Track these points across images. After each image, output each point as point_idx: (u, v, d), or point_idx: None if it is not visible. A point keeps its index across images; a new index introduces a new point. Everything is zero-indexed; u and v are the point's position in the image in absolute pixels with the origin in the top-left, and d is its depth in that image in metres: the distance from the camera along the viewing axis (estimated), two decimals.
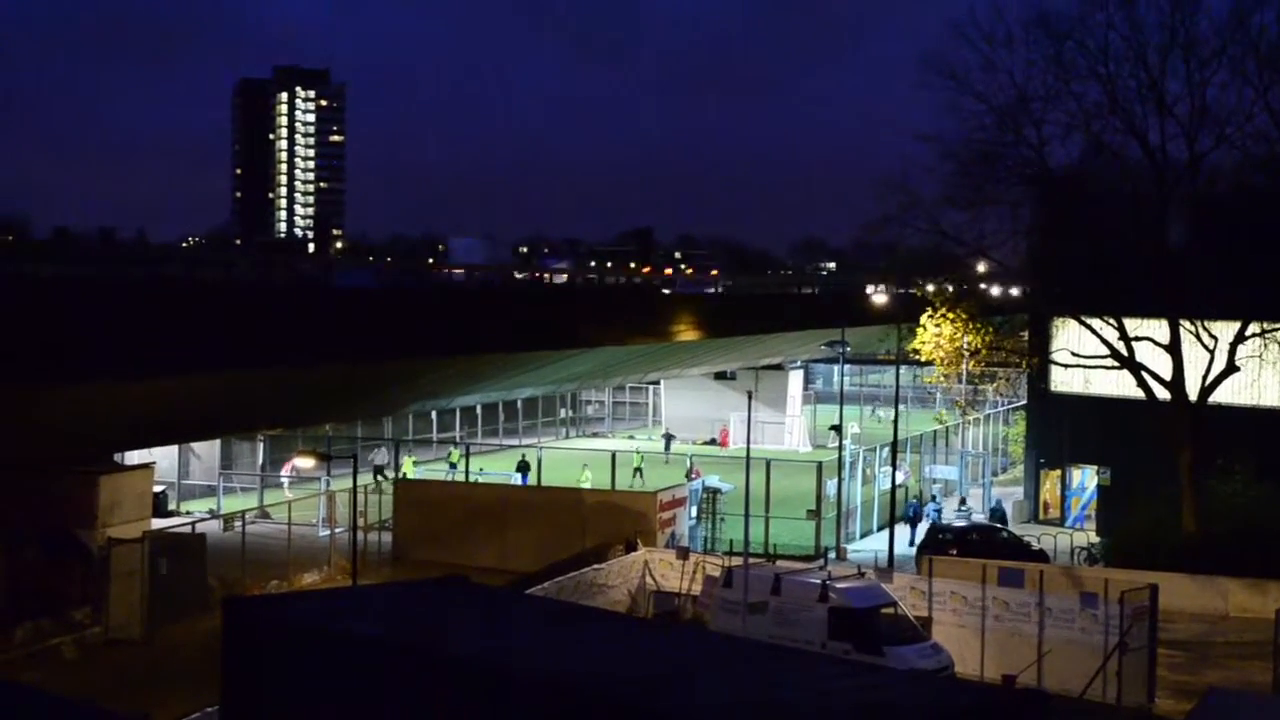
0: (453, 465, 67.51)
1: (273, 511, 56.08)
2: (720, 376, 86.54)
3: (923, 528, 56.26)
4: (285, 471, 64.13)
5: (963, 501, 62.21)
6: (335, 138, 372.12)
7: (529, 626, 23.22)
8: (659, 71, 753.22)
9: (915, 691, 19.96)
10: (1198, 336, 47.83)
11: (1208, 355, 47.73)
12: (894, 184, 50.09)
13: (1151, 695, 34.08)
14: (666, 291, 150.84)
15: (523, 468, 66.57)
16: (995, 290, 64.17)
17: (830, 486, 56.32)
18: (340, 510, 52.75)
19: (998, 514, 58.78)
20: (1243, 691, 31.67)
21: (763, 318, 77.81)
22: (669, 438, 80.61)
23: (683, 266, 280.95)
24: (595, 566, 42.36)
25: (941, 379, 73.32)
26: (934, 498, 62.12)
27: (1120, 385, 52.93)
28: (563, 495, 55.27)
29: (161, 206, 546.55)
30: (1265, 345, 48.69)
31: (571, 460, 66.60)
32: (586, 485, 61.52)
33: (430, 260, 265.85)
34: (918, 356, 63.00)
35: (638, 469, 63.83)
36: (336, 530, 51.36)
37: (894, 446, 55.94)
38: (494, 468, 67.79)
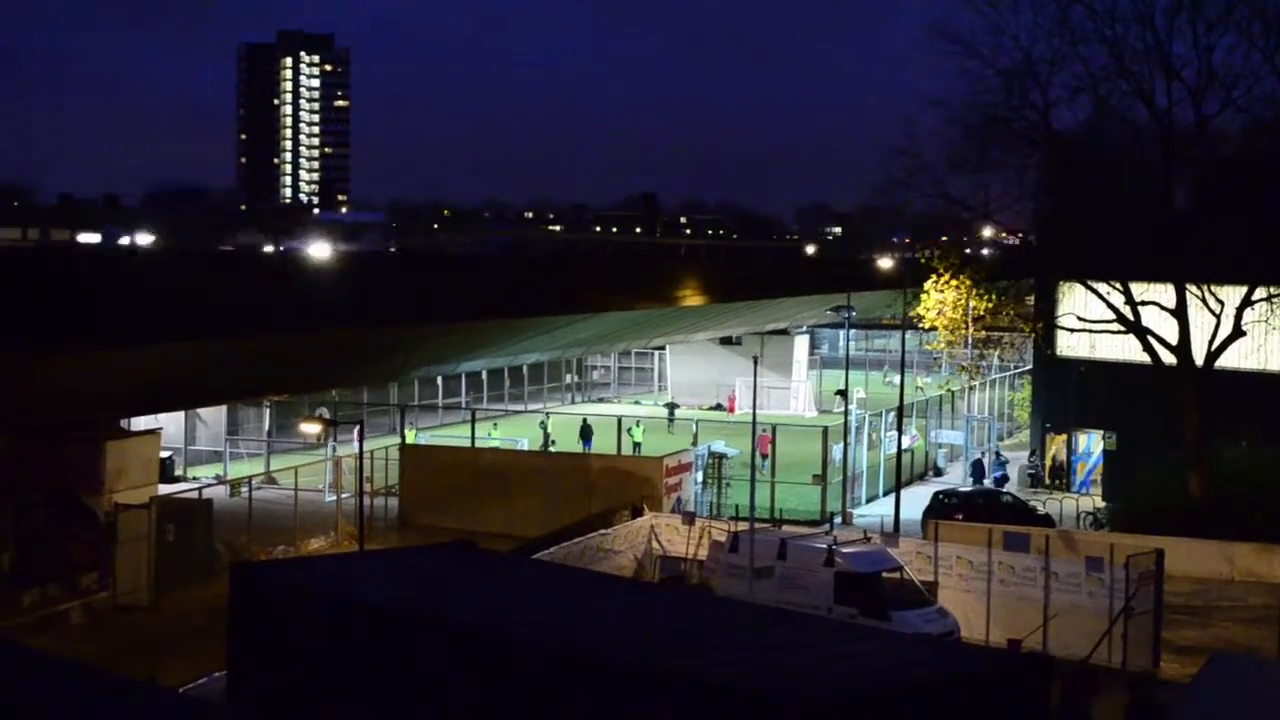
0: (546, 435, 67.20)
1: (279, 477, 56.15)
2: (726, 342, 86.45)
3: (988, 481, 58.71)
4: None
5: (1033, 453, 62.24)
6: (340, 102, 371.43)
7: (536, 592, 23.28)
8: (668, 37, 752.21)
9: (921, 656, 20.00)
10: (1204, 301, 47.75)
11: (1214, 319, 47.66)
12: (901, 149, 50.05)
13: (1156, 659, 34.14)
14: None
15: (586, 433, 66.58)
16: (1001, 255, 64.04)
17: (836, 451, 56.36)
18: (346, 476, 52.84)
19: (1057, 466, 59.69)
20: (1248, 655, 31.74)
21: (769, 282, 77.75)
22: (673, 406, 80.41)
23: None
24: (601, 531, 42.40)
25: (945, 345, 73.20)
26: (998, 453, 62.20)
27: (1126, 350, 52.83)
28: (569, 460, 55.37)
29: (166, 173, 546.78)
30: (1272, 309, 48.59)
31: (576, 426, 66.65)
32: (640, 442, 62.75)
33: None
34: (921, 324, 62.85)
35: (636, 444, 63.41)
36: (343, 495, 51.46)
37: (900, 411, 55.93)
38: (500, 433, 67.78)
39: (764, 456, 58.11)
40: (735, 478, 53.54)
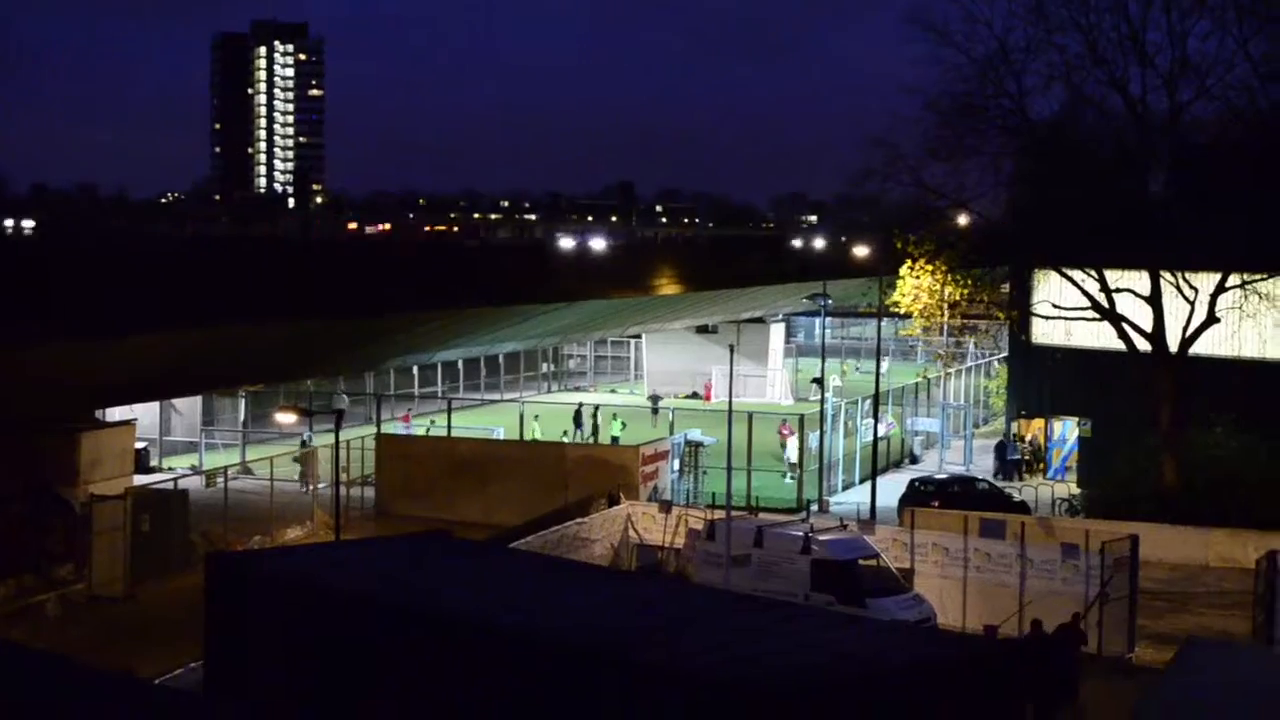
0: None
1: (254, 467, 56.05)
2: (702, 330, 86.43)
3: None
4: (405, 424, 64.51)
5: (1021, 439, 62.52)
6: (314, 92, 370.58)
7: (513, 580, 23.28)
8: (645, 28, 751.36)
9: (896, 643, 20.06)
10: (1178, 288, 47.88)
11: (1188, 307, 47.80)
12: (877, 138, 50.10)
13: (1131, 645, 34.26)
14: None
15: (578, 418, 66.94)
16: (976, 242, 63.98)
17: (812, 439, 56.41)
18: (321, 466, 52.74)
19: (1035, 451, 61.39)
20: (1221, 641, 31.90)
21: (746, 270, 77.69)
22: (656, 398, 79.97)
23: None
24: (578, 520, 42.33)
25: (921, 331, 73.35)
26: (1022, 438, 62.26)
27: (1101, 337, 52.96)
28: (545, 449, 55.31)
29: (140, 163, 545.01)
30: (1245, 297, 48.76)
31: (563, 415, 66.67)
32: (618, 436, 63.44)
33: None
34: (898, 309, 62.93)
35: (615, 438, 63.54)
36: (320, 486, 51.38)
37: (875, 399, 55.97)
38: (478, 423, 67.67)
39: (783, 445, 60.73)
40: (711, 465, 53.47)
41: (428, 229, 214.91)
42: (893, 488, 53.17)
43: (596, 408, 68.28)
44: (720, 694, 17.23)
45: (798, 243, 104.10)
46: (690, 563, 39.00)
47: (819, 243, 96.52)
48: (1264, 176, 46.57)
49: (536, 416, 65.42)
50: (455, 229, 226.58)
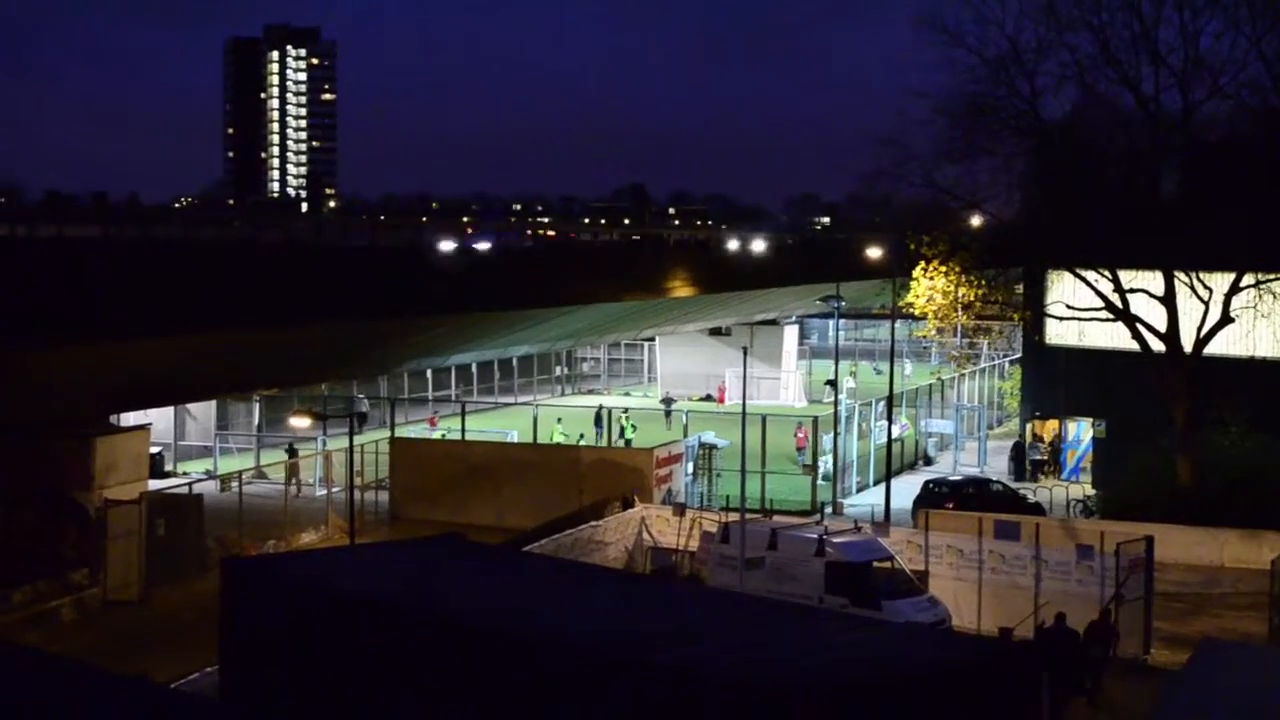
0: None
1: (269, 472, 56.13)
2: (715, 332, 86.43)
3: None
4: (432, 426, 65.01)
5: (1039, 439, 62.42)
6: (327, 96, 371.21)
7: (527, 584, 23.27)
8: (658, 30, 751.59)
9: (912, 645, 20.02)
10: (1192, 288, 47.78)
11: (1202, 307, 47.70)
12: (888, 139, 50.06)
13: (1147, 646, 34.20)
14: None
15: (598, 420, 67.17)
16: (989, 243, 63.94)
17: (826, 441, 56.35)
18: (336, 470, 52.81)
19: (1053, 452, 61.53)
20: (1238, 642, 31.79)
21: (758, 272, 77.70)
22: (669, 401, 79.87)
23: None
24: (592, 524, 42.33)
25: (934, 333, 73.30)
26: (1041, 438, 62.13)
27: (1115, 337, 52.86)
28: (559, 453, 55.30)
29: (152, 168, 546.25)
30: (1260, 296, 48.62)
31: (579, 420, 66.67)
32: (631, 439, 63.47)
33: None
34: (912, 310, 62.86)
35: (628, 441, 63.51)
36: (334, 490, 51.42)
37: (890, 400, 55.90)
38: (492, 426, 67.72)
39: (800, 450, 60.51)
40: (725, 468, 53.46)
41: (531, 234, 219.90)
42: (907, 489, 53.08)
43: (616, 410, 68.31)
44: (735, 695, 17.21)
45: (734, 244, 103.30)
46: (705, 565, 38.97)
47: (758, 245, 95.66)
48: (1277, 175, 46.48)
49: (559, 419, 65.40)
50: (552, 233, 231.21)
